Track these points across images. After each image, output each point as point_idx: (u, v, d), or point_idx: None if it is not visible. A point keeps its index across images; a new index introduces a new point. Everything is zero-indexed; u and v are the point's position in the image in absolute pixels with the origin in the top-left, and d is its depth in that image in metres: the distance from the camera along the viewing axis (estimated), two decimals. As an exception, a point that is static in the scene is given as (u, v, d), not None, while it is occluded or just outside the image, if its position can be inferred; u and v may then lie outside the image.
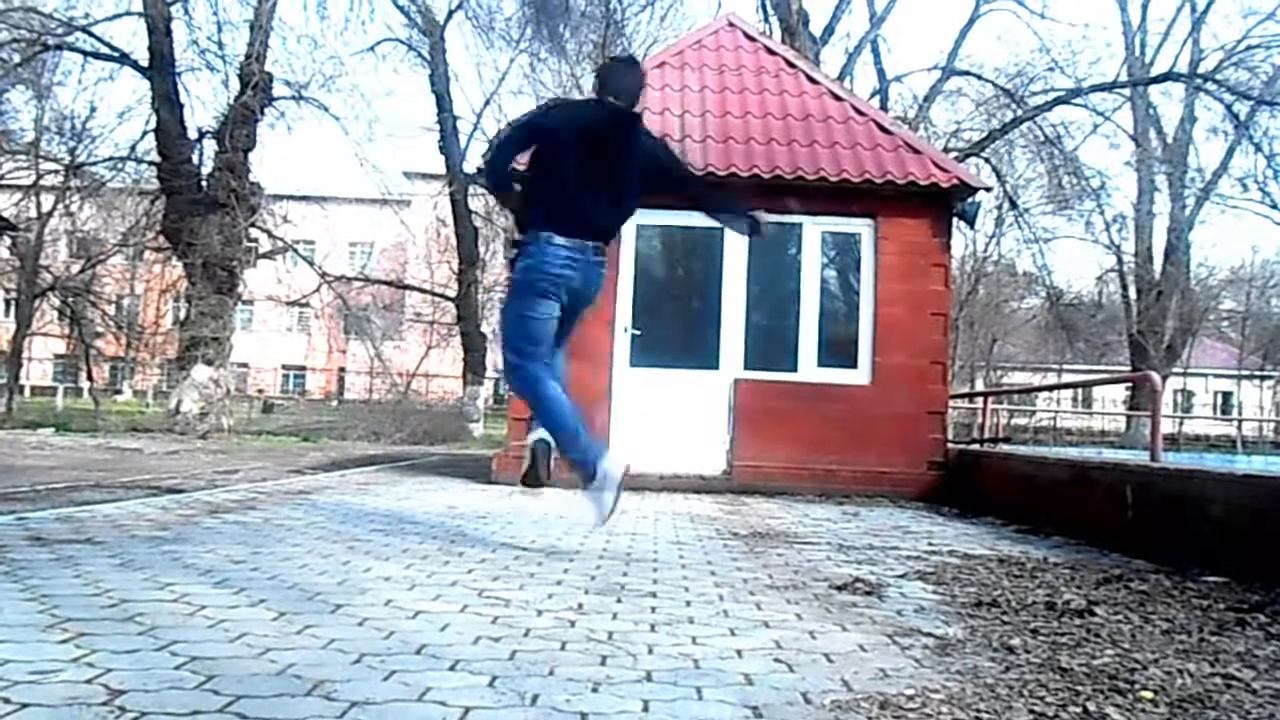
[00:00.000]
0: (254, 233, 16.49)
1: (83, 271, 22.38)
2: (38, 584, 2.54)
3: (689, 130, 7.68)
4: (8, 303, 27.78)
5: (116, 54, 16.01)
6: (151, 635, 2.07)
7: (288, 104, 16.36)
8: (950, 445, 7.57)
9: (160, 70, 15.10)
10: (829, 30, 20.06)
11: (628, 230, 6.61)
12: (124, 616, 2.23)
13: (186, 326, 15.75)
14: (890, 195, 7.29)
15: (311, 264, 18.60)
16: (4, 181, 21.15)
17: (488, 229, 23.54)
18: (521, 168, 3.93)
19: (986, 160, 20.64)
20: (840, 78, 17.87)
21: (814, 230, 7.45)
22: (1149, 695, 1.94)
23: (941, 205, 7.42)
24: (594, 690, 1.85)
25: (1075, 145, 21.03)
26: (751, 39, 9.19)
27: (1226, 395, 39.41)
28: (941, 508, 6.45)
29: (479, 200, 20.63)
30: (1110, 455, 8.78)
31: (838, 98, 8.40)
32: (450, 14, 18.96)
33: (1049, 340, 31.61)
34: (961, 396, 16.71)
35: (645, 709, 1.75)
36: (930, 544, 4.44)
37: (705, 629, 2.44)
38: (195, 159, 15.56)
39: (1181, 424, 29.23)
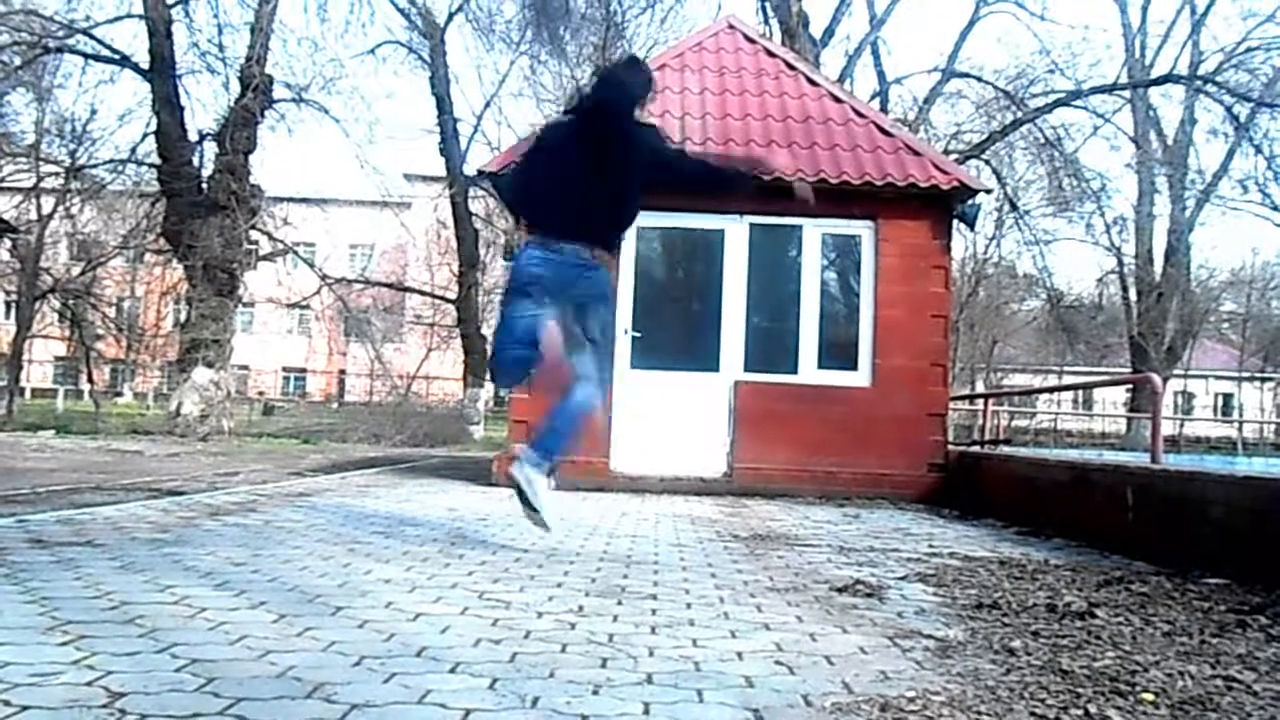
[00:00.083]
0: (254, 235, 16.50)
1: (83, 274, 22.38)
2: (38, 586, 2.54)
3: (689, 132, 7.69)
4: (8, 305, 27.80)
5: (117, 56, 16.03)
6: (152, 637, 2.07)
7: (288, 106, 16.41)
8: (951, 447, 7.57)
9: (161, 73, 15.12)
10: (829, 32, 20.09)
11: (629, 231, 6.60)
12: (124, 619, 2.23)
13: (187, 329, 15.76)
14: (890, 197, 7.30)
15: (312, 266, 18.61)
16: (5, 184, 21.16)
17: (488, 231, 23.57)
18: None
19: (987, 162, 20.65)
20: (840, 80, 17.88)
21: (814, 232, 7.45)
22: (1150, 697, 1.94)
23: (942, 207, 7.42)
24: (594, 693, 1.85)
25: (1075, 147, 21.07)
26: (751, 41, 9.20)
27: (1227, 397, 39.39)
28: (942, 510, 6.45)
29: (479, 202, 20.65)
30: (1111, 457, 8.78)
31: (838, 100, 8.40)
32: (450, 16, 19.00)
33: (1049, 342, 31.58)
34: (962, 398, 16.71)
35: (646, 711, 1.75)
36: (931, 546, 4.44)
37: (706, 631, 2.44)
38: (196, 161, 15.57)
39: (1182, 426, 29.25)
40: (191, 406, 14.75)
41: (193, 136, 15.61)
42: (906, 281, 7.31)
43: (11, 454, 9.72)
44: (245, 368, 34.72)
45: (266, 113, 15.74)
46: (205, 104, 45.08)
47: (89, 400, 21.84)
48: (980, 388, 29.36)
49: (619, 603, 2.77)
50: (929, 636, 2.46)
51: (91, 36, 16.02)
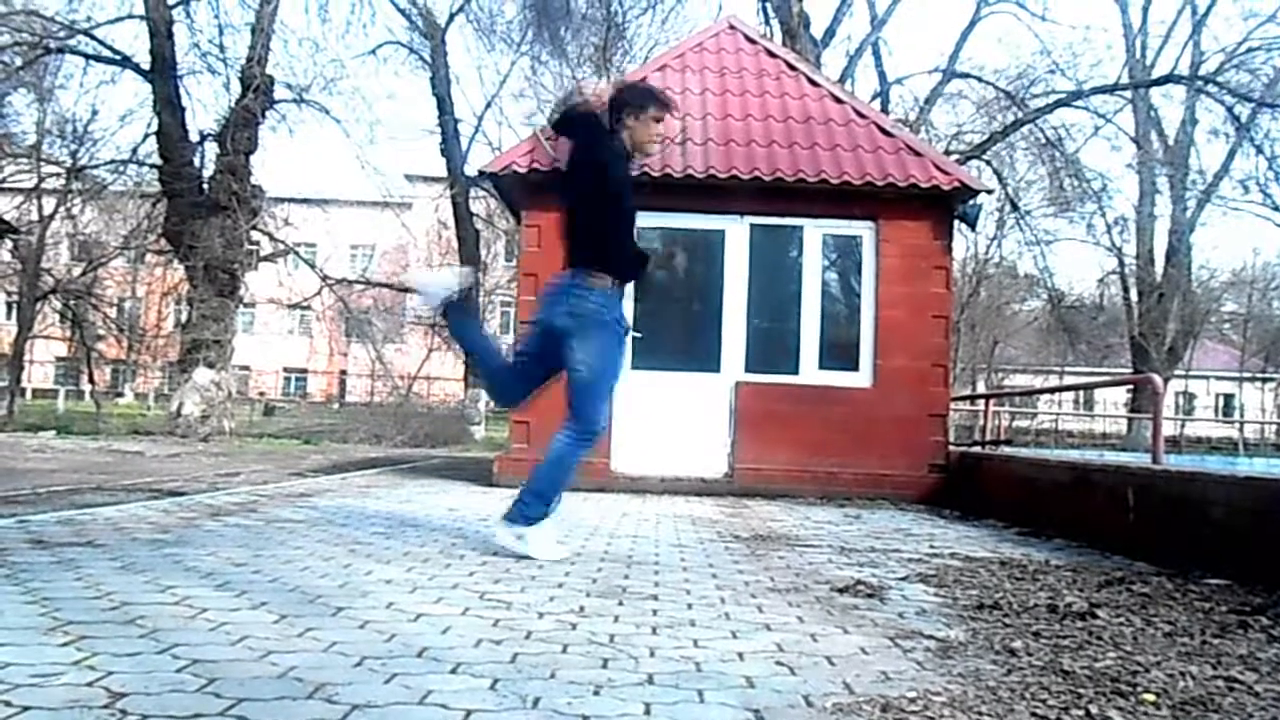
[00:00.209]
0: (255, 235, 16.49)
1: (84, 274, 22.40)
2: (39, 587, 2.54)
3: (690, 133, 7.69)
4: (9, 306, 27.83)
5: (118, 57, 16.03)
6: (153, 638, 2.07)
7: (289, 107, 16.40)
8: (952, 448, 7.57)
9: (162, 73, 15.12)
10: (830, 33, 20.07)
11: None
12: (125, 619, 2.23)
13: (188, 329, 15.76)
14: (891, 198, 7.30)
15: (313, 266, 18.59)
16: (6, 185, 21.18)
17: (489, 232, 23.57)
18: None
19: (988, 163, 20.63)
20: (841, 80, 17.88)
21: (815, 233, 7.45)
22: (1151, 698, 1.94)
23: (943, 208, 7.42)
24: (595, 693, 1.85)
25: (1076, 147, 21.04)
26: (752, 41, 9.20)
27: (1228, 397, 39.39)
28: (943, 510, 6.44)
29: (480, 203, 20.63)
30: (1112, 458, 8.79)
31: (839, 100, 8.40)
32: (451, 17, 19.00)
33: (1050, 342, 31.58)
34: (963, 399, 16.71)
35: (647, 712, 1.75)
36: (932, 546, 4.44)
37: (707, 632, 2.44)
38: (197, 162, 15.57)
39: (1183, 426, 29.24)
40: (192, 407, 14.75)
41: (194, 137, 15.62)
42: (907, 282, 7.31)
43: (12, 454, 9.73)
44: (246, 368, 34.75)
45: (267, 113, 15.74)
46: (206, 104, 45.19)
47: (90, 401, 21.85)
48: (981, 388, 29.37)
49: (620, 603, 2.77)
50: (930, 637, 2.46)
51: (92, 37, 16.03)
